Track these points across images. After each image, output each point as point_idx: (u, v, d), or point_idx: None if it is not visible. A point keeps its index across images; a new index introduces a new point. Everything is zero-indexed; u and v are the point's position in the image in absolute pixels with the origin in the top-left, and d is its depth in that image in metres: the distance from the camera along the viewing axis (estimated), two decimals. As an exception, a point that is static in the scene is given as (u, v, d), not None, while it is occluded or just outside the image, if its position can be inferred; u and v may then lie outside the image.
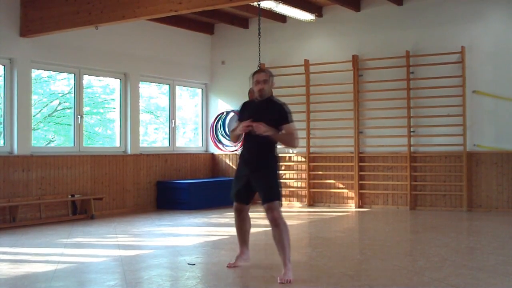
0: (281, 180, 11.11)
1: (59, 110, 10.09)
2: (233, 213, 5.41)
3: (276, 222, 4.94)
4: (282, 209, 10.37)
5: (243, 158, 5.17)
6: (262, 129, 4.88)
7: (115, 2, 7.96)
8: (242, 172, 5.16)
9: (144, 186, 10.57)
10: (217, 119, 11.60)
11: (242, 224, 5.38)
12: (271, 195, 4.97)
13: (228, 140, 11.27)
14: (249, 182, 5.09)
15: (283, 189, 11.16)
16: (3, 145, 8.67)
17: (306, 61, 10.96)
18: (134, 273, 5.22)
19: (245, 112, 5.19)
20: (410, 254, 6.22)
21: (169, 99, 11.49)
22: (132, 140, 10.40)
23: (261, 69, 5.21)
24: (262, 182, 5.00)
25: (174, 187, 10.60)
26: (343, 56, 10.71)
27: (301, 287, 4.69)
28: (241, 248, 5.44)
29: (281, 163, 11.18)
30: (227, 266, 5.35)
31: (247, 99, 7.32)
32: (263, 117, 4.96)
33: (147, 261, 5.84)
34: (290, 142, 5.10)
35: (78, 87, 9.67)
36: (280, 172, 11.12)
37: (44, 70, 9.47)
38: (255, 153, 5.06)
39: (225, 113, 11.61)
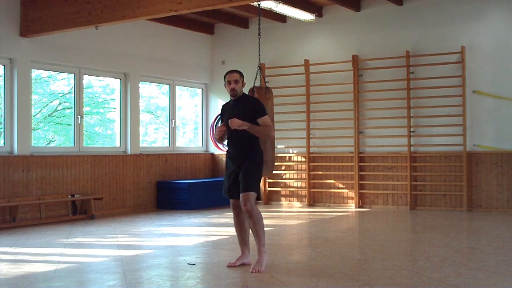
0: (280, 180, 11.27)
1: (59, 110, 10.09)
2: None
3: (250, 213, 5.17)
4: (283, 209, 10.49)
5: (229, 155, 5.44)
6: (236, 123, 5.18)
7: (115, 2, 7.96)
8: (229, 169, 5.39)
9: (144, 186, 10.57)
10: (217, 119, 11.58)
11: (241, 222, 5.43)
12: (247, 186, 5.19)
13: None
14: (238, 177, 5.29)
15: (283, 189, 11.28)
16: (3, 145, 8.68)
17: (306, 61, 10.96)
18: (134, 273, 5.22)
19: (225, 114, 5.48)
20: (410, 254, 6.22)
21: (169, 99, 11.49)
22: (132, 140, 10.40)
23: (233, 70, 5.42)
24: (242, 174, 5.23)
25: (174, 187, 10.60)
26: (343, 56, 10.71)
27: (301, 287, 4.69)
28: (242, 249, 5.47)
29: (281, 163, 11.30)
30: (227, 266, 5.37)
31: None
32: (241, 115, 5.26)
33: (147, 261, 5.83)
34: (267, 133, 5.36)
35: (78, 87, 9.67)
36: (283, 171, 11.27)
37: (44, 70, 9.47)
38: (238, 149, 5.33)
39: (225, 113, 11.60)
